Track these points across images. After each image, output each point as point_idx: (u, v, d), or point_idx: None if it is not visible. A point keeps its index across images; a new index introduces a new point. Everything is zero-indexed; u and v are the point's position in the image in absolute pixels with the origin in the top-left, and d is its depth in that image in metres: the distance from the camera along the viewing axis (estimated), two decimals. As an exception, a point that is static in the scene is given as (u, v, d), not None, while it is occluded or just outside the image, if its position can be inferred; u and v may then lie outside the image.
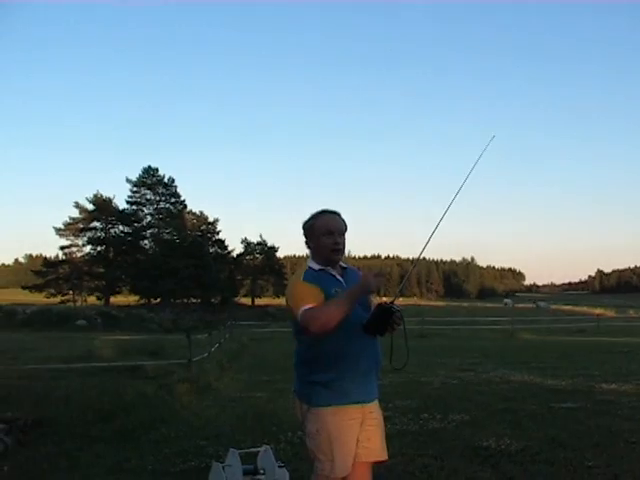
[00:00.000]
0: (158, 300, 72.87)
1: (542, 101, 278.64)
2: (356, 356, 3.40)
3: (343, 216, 3.61)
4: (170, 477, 5.40)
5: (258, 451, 4.51)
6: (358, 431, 3.44)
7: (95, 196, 77.14)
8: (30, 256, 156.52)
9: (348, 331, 3.35)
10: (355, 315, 3.35)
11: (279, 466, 4.53)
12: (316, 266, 3.49)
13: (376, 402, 3.58)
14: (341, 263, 3.58)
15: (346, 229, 3.56)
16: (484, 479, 5.24)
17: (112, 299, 77.35)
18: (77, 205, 76.90)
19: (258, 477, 4.31)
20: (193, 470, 5.67)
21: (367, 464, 3.53)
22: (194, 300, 74.95)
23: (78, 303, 73.12)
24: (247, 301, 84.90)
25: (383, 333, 3.41)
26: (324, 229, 3.47)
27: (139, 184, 79.37)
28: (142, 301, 74.75)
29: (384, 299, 3.51)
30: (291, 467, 4.98)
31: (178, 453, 6.37)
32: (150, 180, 79.55)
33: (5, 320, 48.24)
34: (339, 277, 3.50)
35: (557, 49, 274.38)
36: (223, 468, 4.30)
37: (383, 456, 3.57)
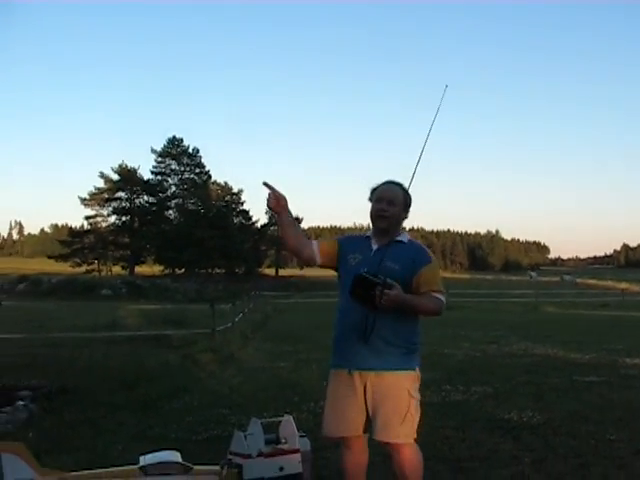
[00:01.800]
0: (182, 270, 73.46)
1: (574, 67, 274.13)
2: (345, 323, 3.44)
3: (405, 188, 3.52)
4: (193, 445, 5.44)
5: (280, 420, 4.52)
6: (356, 400, 3.43)
7: (120, 166, 77.60)
8: (56, 226, 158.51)
9: (343, 297, 3.43)
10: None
11: (300, 436, 4.54)
12: (367, 233, 3.57)
13: (389, 375, 3.38)
14: (402, 237, 3.50)
15: (402, 200, 3.48)
16: (505, 451, 5.22)
17: (137, 269, 78.08)
18: (102, 175, 77.54)
19: (280, 446, 4.33)
20: (215, 439, 5.70)
21: (364, 438, 3.59)
22: (218, 270, 75.45)
23: (103, 273, 74.02)
24: (271, 272, 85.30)
25: (369, 307, 3.21)
26: (376, 196, 3.53)
27: (164, 154, 79.64)
28: (166, 271, 75.38)
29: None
30: (312, 437, 4.99)
31: (201, 422, 6.42)
32: (175, 150, 79.79)
33: (31, 289, 49.02)
34: (375, 245, 3.47)
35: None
36: (245, 437, 4.32)
37: (382, 437, 3.42)
